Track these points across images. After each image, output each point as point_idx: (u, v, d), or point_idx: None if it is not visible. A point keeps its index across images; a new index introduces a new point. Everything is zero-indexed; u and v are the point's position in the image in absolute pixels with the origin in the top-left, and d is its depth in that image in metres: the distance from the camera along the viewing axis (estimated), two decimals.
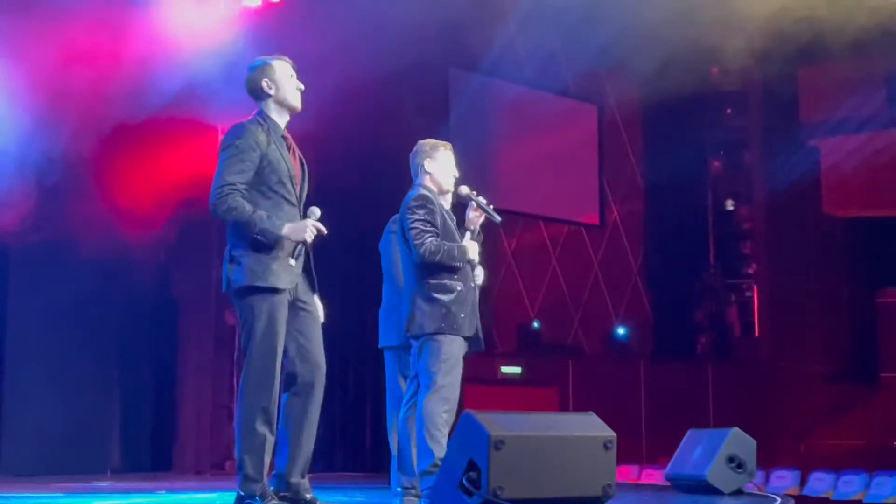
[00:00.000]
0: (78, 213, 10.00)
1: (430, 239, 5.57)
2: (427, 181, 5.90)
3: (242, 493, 4.73)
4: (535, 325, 14.92)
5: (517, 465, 3.89)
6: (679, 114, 15.23)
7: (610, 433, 4.15)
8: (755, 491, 6.67)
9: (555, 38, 13.51)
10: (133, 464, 10.94)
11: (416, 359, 5.71)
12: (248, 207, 4.74)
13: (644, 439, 14.23)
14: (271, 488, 4.85)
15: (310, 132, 10.68)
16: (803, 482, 10.91)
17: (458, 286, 5.64)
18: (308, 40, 9.90)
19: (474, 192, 5.93)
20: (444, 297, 5.59)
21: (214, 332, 11.58)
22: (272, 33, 10.16)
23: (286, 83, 5.03)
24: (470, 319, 5.64)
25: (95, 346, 11.05)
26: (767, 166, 16.58)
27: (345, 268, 10.84)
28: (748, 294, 17.01)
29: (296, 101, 5.06)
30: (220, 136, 11.05)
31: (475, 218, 5.86)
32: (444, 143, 6.04)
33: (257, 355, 4.74)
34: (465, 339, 5.62)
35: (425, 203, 5.72)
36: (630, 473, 11.82)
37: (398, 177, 13.04)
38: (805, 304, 16.81)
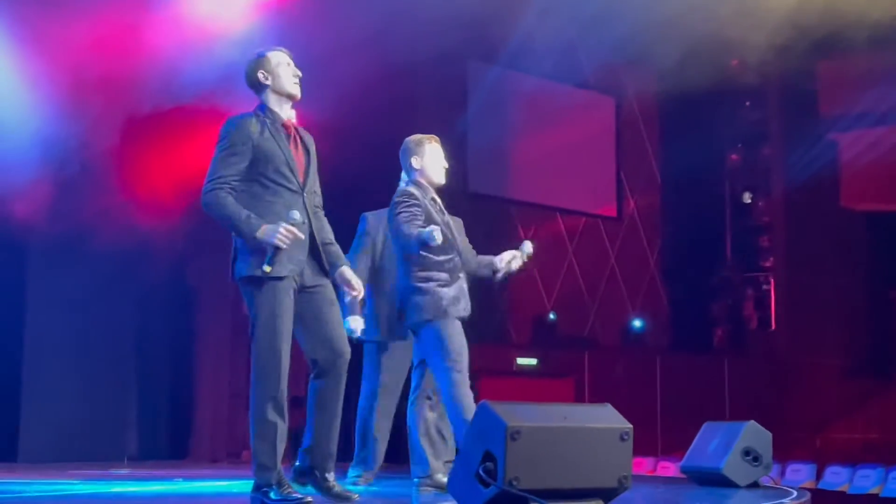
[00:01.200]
0: (97, 203, 10.04)
1: (417, 224, 5.69)
2: (417, 177, 6.01)
3: (258, 482, 4.76)
4: (552, 316, 14.93)
5: (533, 456, 3.90)
6: (697, 106, 15.20)
7: (626, 425, 4.15)
8: (771, 484, 6.67)
9: (573, 31, 13.48)
10: (150, 452, 10.99)
11: (418, 346, 5.92)
12: (231, 206, 4.77)
13: (659, 432, 14.22)
14: (291, 476, 4.89)
15: (328, 122, 10.73)
16: (819, 476, 10.89)
17: (444, 276, 5.82)
18: (328, 31, 9.93)
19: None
20: (433, 286, 5.77)
21: (232, 321, 11.63)
22: (292, 23, 10.17)
23: (282, 72, 5.06)
24: (464, 304, 5.84)
25: (114, 336, 11.11)
26: (786, 159, 16.54)
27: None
28: (765, 287, 16.98)
29: (293, 88, 5.08)
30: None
31: (511, 261, 5.99)
32: (429, 136, 6.11)
33: (262, 344, 4.78)
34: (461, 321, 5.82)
35: (409, 198, 5.84)
36: (645, 466, 11.83)
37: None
38: (822, 298, 16.76)
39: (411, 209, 5.77)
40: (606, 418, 4.21)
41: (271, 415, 4.76)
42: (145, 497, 5.58)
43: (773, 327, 16.75)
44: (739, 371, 15.70)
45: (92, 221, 9.68)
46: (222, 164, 4.83)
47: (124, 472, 8.83)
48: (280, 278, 4.79)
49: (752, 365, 15.91)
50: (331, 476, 5.00)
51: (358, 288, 5.13)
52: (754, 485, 6.37)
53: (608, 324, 15.66)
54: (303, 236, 4.81)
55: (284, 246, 4.72)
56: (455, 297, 5.82)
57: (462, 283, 5.91)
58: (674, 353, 15.48)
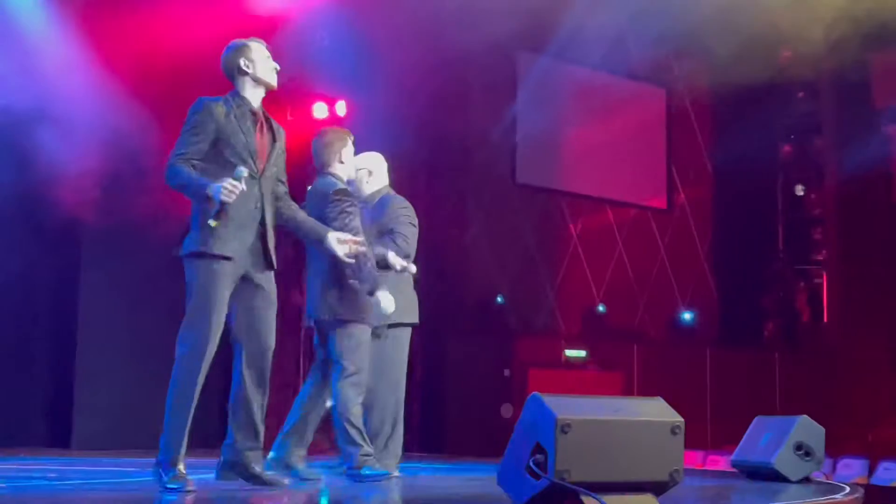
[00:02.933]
0: (152, 195, 10.13)
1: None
2: (339, 170, 6.04)
3: (160, 457, 4.99)
4: (601, 308, 14.88)
5: (584, 449, 3.89)
6: (749, 97, 15.05)
7: (678, 418, 4.13)
8: (822, 479, 6.61)
9: (623, 21, 13.42)
10: (200, 439, 11.08)
11: (323, 342, 6.00)
12: (185, 173, 4.97)
13: (709, 425, 14.14)
14: (223, 458, 5.22)
15: (378, 110, 10.77)
16: (871, 471, 10.79)
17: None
18: (380, 21, 9.95)
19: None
20: (359, 287, 5.84)
21: (281, 311, 11.61)
22: (346, 13, 10.22)
23: (262, 62, 5.28)
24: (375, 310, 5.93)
25: (166, 325, 11.18)
26: (839, 151, 16.35)
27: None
28: (817, 281, 16.82)
29: (272, 78, 5.30)
30: (289, 118, 11.21)
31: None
32: (348, 132, 6.22)
33: (192, 320, 5.04)
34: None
35: (349, 195, 5.92)
36: (695, 459, 11.77)
37: (462, 157, 13.10)
38: (875, 292, 16.56)
39: (352, 211, 5.85)
40: (658, 412, 4.19)
41: (189, 396, 5.00)
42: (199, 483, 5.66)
43: (825, 321, 16.59)
44: (790, 365, 15.57)
45: (146, 212, 9.76)
46: (184, 142, 5.06)
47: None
48: (224, 257, 4.95)
49: (804, 359, 15.77)
50: (258, 465, 5.20)
51: (354, 240, 5.37)
52: (806, 480, 6.32)
53: (657, 316, 15.59)
54: (242, 187, 4.88)
55: (230, 200, 4.83)
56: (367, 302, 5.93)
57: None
58: (724, 347, 15.38)
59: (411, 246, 6.43)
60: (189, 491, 4.90)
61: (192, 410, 5.00)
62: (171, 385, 5.03)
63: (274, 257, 5.15)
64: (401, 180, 11.25)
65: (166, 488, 4.91)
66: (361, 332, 5.91)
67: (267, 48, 5.34)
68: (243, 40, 5.33)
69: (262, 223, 5.09)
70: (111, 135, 9.21)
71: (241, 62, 5.24)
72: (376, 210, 6.38)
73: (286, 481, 5.28)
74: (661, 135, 15.99)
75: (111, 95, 9.29)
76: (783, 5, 10.74)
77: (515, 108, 13.57)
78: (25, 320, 10.56)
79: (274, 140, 5.25)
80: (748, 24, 10.99)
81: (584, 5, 12.85)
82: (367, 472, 5.82)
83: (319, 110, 11.43)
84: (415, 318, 6.48)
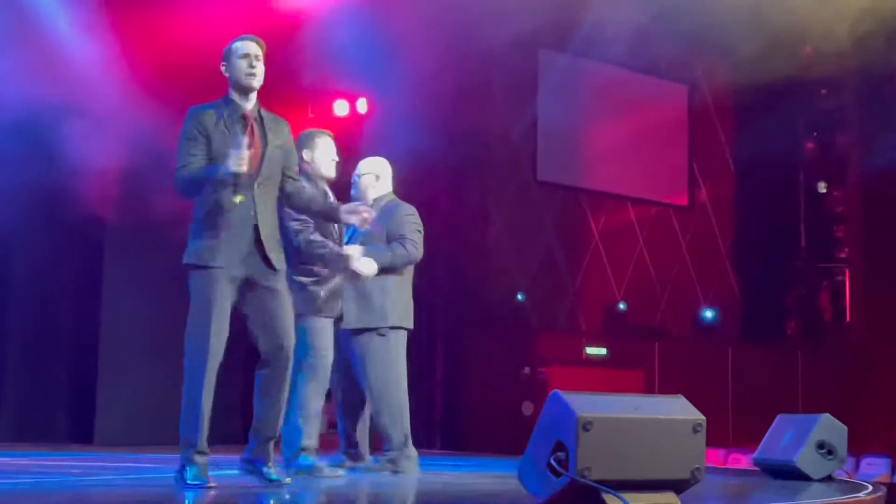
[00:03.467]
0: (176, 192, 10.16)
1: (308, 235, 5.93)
2: (307, 170, 6.06)
3: (181, 458, 5.06)
4: (621, 306, 14.85)
5: (605, 447, 3.89)
6: (771, 94, 14.98)
7: (700, 417, 4.13)
8: (845, 478, 6.58)
9: (645, 18, 13.37)
10: (224, 435, 11.11)
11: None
12: (192, 171, 5.09)
13: (731, 423, 14.10)
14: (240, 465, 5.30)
15: (399, 107, 10.77)
16: (894, 469, 10.74)
17: (324, 271, 5.99)
18: (400, 19, 9.95)
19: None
20: (308, 280, 5.94)
21: None
22: (368, 10, 10.23)
23: (237, 63, 5.21)
24: (333, 303, 6.02)
25: (183, 318, 11.25)
26: (861, 148, 16.25)
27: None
28: (839, 279, 16.72)
29: (245, 80, 5.21)
30: (310, 115, 11.23)
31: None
32: (323, 131, 6.26)
33: (193, 329, 5.12)
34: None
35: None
36: (717, 457, 11.74)
37: (484, 154, 13.08)
38: None
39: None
40: (679, 410, 4.18)
41: (197, 396, 5.03)
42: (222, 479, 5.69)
43: (848, 319, 16.50)
44: (813, 363, 15.49)
45: (171, 208, 9.80)
46: (183, 153, 5.15)
47: None
48: (217, 267, 5.04)
49: (826, 357, 15.70)
50: (271, 464, 5.24)
51: (364, 210, 5.35)
52: (828, 478, 6.30)
53: (679, 314, 15.54)
54: (248, 153, 4.97)
55: (241, 169, 4.93)
56: (323, 296, 6.01)
57: (338, 281, 6.07)
58: (745, 344, 15.32)
59: (419, 251, 6.53)
60: (210, 487, 4.94)
61: (207, 411, 5.06)
62: (183, 392, 5.11)
63: (276, 260, 5.17)
64: (422, 178, 11.30)
65: (191, 483, 4.96)
66: (312, 324, 5.99)
67: (255, 46, 5.24)
68: (233, 41, 5.28)
69: (257, 229, 5.12)
70: (136, 132, 9.24)
71: (222, 67, 5.25)
72: (383, 216, 6.40)
73: (287, 480, 5.27)
74: (683, 132, 15.94)
75: (136, 92, 9.33)
76: (807, 2, 10.69)
77: (537, 105, 13.55)
78: (48, 316, 10.63)
79: (266, 142, 5.21)
80: (771, 21, 10.94)
81: (606, 2, 12.83)
82: (304, 463, 6.00)
83: (340, 108, 11.45)
84: (410, 324, 6.59)
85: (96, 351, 10.47)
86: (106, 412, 10.37)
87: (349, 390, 6.56)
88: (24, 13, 9.44)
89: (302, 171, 5.86)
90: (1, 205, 9.29)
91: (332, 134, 6.28)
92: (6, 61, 9.01)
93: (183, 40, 9.48)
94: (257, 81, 5.23)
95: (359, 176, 6.60)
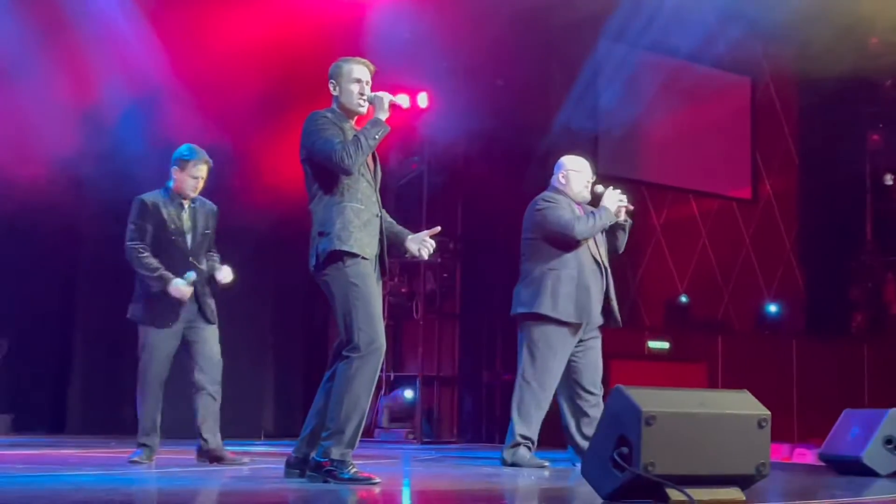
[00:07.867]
0: (238, 186, 10.28)
1: None
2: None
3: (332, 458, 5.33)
4: (684, 299, 14.74)
5: (669, 442, 3.88)
6: (836, 85, 14.78)
7: (765, 412, 4.10)
8: None
9: (708, 10, 13.26)
10: (285, 429, 11.22)
11: None
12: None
13: (796, 418, 13.96)
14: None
15: (459, 101, 10.76)
16: None
17: None
18: (460, 12, 9.95)
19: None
20: None
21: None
22: (427, 4, 10.24)
23: (347, 89, 5.41)
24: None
25: (251, 315, 11.38)
26: None
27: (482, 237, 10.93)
28: None
29: (356, 108, 5.47)
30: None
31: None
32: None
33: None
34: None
35: None
36: (781, 452, 11.62)
37: (543, 147, 13.03)
38: None
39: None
40: (744, 405, 4.16)
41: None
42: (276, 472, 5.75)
43: None
44: (879, 357, 15.27)
45: (234, 204, 9.90)
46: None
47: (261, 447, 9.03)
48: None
49: (893, 350, 15.46)
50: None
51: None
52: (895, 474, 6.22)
53: (742, 308, 15.40)
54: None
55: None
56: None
57: None
58: (811, 338, 15.15)
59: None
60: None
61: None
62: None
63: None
64: (481, 171, 11.30)
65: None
66: (145, 334, 7.02)
67: (364, 73, 5.41)
68: (344, 61, 5.42)
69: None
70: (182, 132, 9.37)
71: (330, 84, 5.42)
72: None
73: None
74: (746, 124, 15.78)
75: (182, 89, 9.45)
76: None
77: (597, 97, 13.48)
78: (116, 306, 10.76)
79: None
80: (837, 12, 10.80)
81: None
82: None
83: (402, 101, 11.47)
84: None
85: None
86: (170, 407, 10.47)
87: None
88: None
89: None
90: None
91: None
92: None
93: (247, 38, 9.56)
94: (366, 108, 5.32)
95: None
